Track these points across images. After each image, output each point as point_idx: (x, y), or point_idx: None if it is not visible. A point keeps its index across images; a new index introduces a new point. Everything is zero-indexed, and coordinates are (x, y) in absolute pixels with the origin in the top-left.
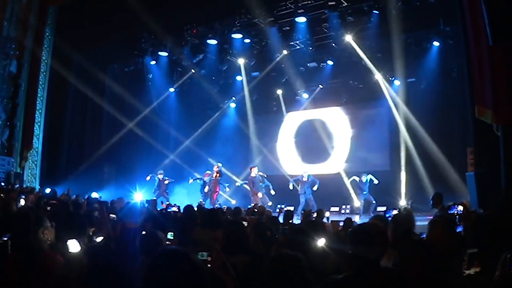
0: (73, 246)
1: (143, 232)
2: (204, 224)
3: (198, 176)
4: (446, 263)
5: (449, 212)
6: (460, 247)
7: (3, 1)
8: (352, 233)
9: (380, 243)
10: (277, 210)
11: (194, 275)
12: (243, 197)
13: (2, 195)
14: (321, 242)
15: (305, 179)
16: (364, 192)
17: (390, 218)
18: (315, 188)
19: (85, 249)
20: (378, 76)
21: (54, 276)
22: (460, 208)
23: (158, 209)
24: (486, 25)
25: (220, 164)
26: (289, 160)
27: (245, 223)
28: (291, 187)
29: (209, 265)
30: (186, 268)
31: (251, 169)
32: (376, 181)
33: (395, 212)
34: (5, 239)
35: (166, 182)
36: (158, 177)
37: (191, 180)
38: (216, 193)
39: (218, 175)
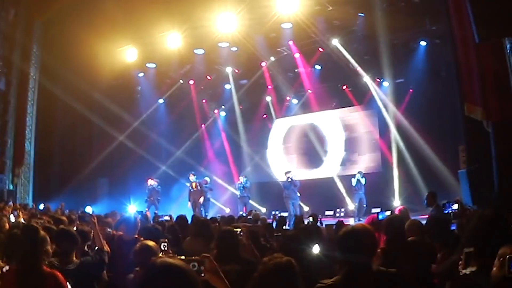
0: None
1: (137, 244)
2: (196, 234)
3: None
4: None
5: (444, 210)
6: (454, 246)
7: None
8: (340, 238)
9: (368, 246)
10: (271, 217)
11: (187, 286)
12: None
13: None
14: (315, 249)
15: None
16: (360, 192)
17: (383, 220)
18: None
19: (78, 264)
20: (366, 78)
21: None
22: (455, 206)
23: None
24: (472, 23)
25: (193, 176)
26: (281, 166)
27: (238, 230)
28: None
29: (202, 275)
30: (180, 281)
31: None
32: (363, 181)
33: (388, 213)
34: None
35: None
36: (151, 184)
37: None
38: (199, 203)
39: (195, 185)
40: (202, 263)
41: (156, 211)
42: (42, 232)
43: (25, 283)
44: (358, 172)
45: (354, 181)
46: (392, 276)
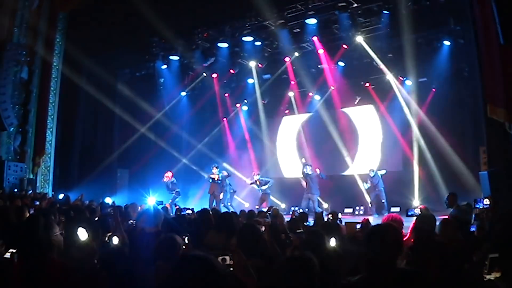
0: (82, 234)
1: (160, 237)
2: (219, 228)
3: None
4: (462, 265)
5: (475, 206)
6: (473, 248)
7: (13, 8)
8: (367, 235)
9: (394, 244)
10: (291, 213)
11: (217, 280)
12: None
13: (17, 202)
14: (332, 242)
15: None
16: (380, 189)
17: (412, 217)
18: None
19: (99, 255)
20: (389, 77)
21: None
22: (486, 201)
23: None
24: (497, 24)
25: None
26: (301, 162)
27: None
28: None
29: (231, 268)
30: (210, 274)
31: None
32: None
33: (417, 211)
34: (13, 251)
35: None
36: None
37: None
38: (216, 197)
39: (216, 178)
40: (231, 257)
41: (175, 205)
42: (48, 221)
43: (28, 270)
44: (371, 170)
45: (373, 180)
46: (417, 275)
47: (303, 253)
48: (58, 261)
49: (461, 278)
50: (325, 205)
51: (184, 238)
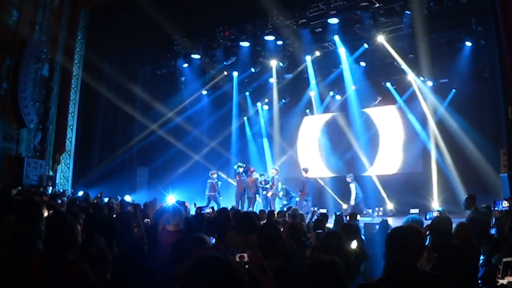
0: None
1: (191, 236)
2: (239, 228)
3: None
4: (476, 269)
5: (494, 208)
6: (492, 251)
7: (35, 5)
8: (388, 237)
9: (415, 247)
10: (310, 213)
11: (233, 282)
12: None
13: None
14: (353, 244)
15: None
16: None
17: (430, 221)
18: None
19: (118, 253)
20: (410, 77)
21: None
22: (505, 203)
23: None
24: None
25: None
26: (321, 162)
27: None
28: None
29: (247, 266)
30: (226, 276)
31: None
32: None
33: (435, 214)
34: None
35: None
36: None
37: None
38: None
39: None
40: (248, 254)
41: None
42: (72, 222)
43: (49, 270)
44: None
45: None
46: (437, 278)
47: (328, 256)
48: (77, 261)
49: (476, 282)
50: (344, 206)
51: (212, 238)
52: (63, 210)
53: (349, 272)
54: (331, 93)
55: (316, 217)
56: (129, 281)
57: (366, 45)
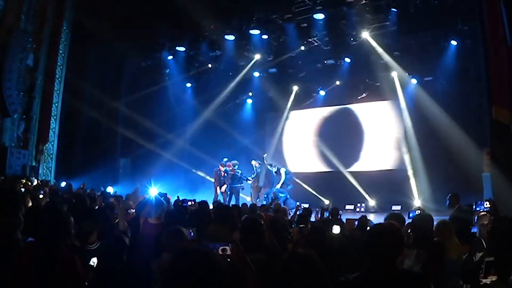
0: None
1: (168, 229)
2: (219, 220)
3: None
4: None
5: (476, 209)
6: (474, 249)
7: None
8: (367, 233)
9: (393, 245)
10: (294, 208)
11: (215, 275)
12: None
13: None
14: (336, 229)
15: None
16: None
17: (411, 219)
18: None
19: (99, 244)
20: (394, 74)
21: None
22: (487, 204)
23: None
24: (505, 26)
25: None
26: (304, 157)
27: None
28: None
29: (228, 259)
30: (208, 268)
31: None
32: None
33: (418, 212)
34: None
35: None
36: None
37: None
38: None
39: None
40: (230, 247)
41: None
42: (66, 214)
43: (42, 262)
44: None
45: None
46: (417, 276)
47: (301, 249)
48: (67, 252)
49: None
50: (327, 202)
51: (190, 231)
52: (46, 201)
53: (330, 264)
54: (316, 88)
55: (300, 212)
56: (112, 274)
57: (351, 41)
